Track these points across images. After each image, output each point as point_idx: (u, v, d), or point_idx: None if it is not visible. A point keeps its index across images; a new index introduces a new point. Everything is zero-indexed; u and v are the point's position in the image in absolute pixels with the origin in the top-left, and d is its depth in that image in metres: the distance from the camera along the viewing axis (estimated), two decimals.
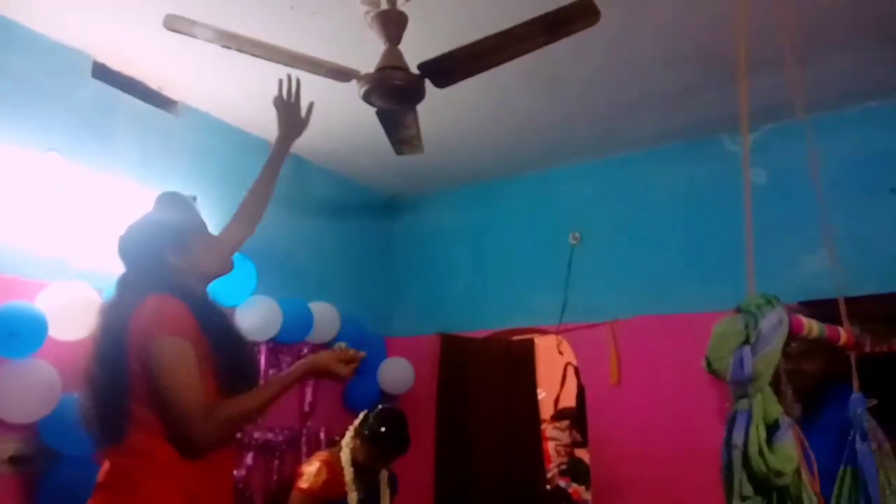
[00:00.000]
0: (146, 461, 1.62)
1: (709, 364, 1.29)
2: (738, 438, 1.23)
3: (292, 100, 2.24)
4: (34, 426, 2.44)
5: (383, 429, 2.88)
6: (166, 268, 1.78)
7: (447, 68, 2.31)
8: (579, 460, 4.96)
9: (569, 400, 5.43)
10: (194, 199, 2.20)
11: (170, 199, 1.92)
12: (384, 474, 3.00)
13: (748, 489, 1.22)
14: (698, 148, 3.66)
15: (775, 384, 2.84)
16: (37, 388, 2.39)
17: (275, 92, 2.22)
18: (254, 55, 2.31)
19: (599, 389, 3.75)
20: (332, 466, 2.84)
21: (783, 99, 2.92)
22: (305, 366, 1.81)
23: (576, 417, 5.09)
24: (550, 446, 5.25)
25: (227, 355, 1.74)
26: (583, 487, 4.67)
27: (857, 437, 1.51)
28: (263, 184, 2.20)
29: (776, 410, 1.24)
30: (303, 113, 2.27)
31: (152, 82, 3.17)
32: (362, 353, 1.87)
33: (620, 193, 3.89)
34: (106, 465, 1.67)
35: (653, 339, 3.57)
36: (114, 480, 1.63)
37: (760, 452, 1.20)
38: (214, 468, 1.70)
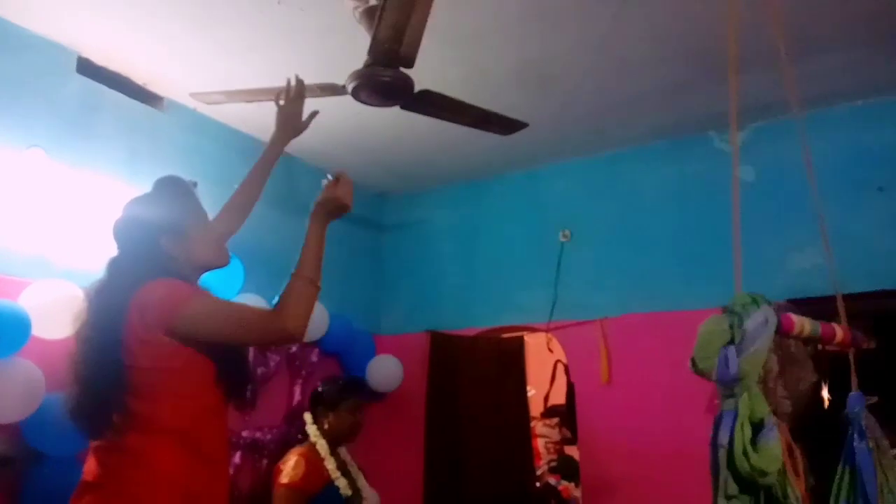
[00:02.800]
0: (142, 462, 1.57)
1: (694, 364, 1.30)
2: (723, 438, 1.24)
3: (294, 101, 2.19)
4: (17, 426, 2.41)
5: (339, 382, 2.97)
6: (160, 253, 1.74)
7: (425, 106, 2.56)
8: (569, 457, 4.96)
9: (558, 397, 5.43)
10: (195, 184, 2.15)
11: (169, 184, 1.87)
12: (358, 470, 2.95)
13: (733, 488, 1.23)
14: (687, 146, 3.67)
15: (765, 381, 2.85)
16: (20, 388, 2.35)
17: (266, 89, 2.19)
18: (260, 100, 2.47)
19: (589, 387, 3.75)
20: (309, 458, 2.81)
21: (772, 97, 2.93)
22: (321, 217, 1.77)
23: (565, 414, 5.09)
24: (540, 443, 5.25)
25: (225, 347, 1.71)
26: (572, 484, 4.67)
27: (855, 436, 1.51)
28: (253, 183, 2.16)
29: (763, 410, 1.25)
30: (304, 117, 2.22)
31: (138, 78, 3.14)
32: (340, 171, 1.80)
33: (610, 191, 3.89)
34: (93, 464, 1.62)
35: (643, 336, 3.57)
36: (106, 482, 1.58)
37: (745, 452, 1.21)
38: (212, 469, 1.67)
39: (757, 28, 2.61)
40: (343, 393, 2.90)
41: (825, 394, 3.12)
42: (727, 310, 1.31)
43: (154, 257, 1.73)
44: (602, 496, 3.59)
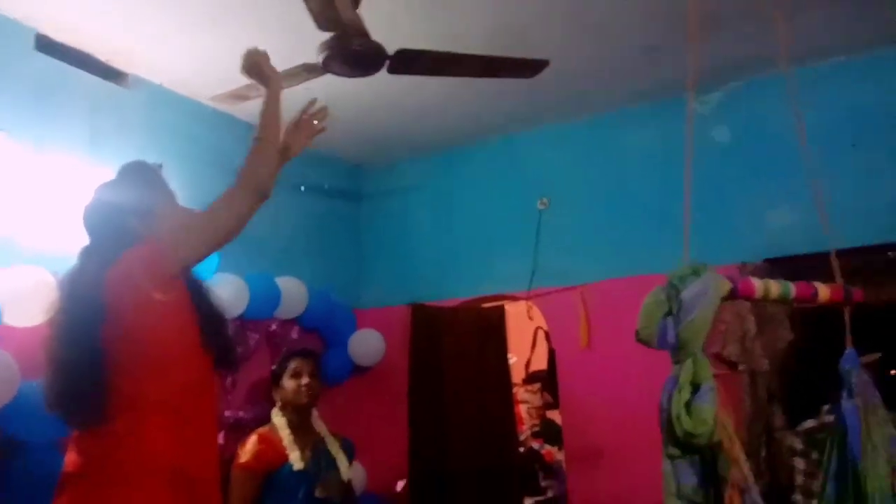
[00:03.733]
0: (126, 444, 1.55)
1: (637, 334, 1.37)
2: (665, 401, 1.30)
3: (312, 123, 2.05)
4: None
5: (282, 356, 3.05)
6: (129, 233, 1.72)
7: (411, 65, 2.45)
8: (551, 422, 5.02)
9: (540, 363, 5.47)
10: (159, 167, 2.11)
11: (134, 168, 1.87)
12: (334, 440, 2.96)
13: (674, 450, 1.30)
14: (666, 108, 3.64)
15: (742, 342, 2.87)
16: None
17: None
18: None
19: (570, 352, 3.77)
20: (266, 436, 2.82)
21: (747, 56, 2.93)
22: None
23: (547, 380, 5.14)
24: (523, 409, 5.29)
25: (208, 307, 1.77)
26: (555, 448, 4.73)
27: (844, 394, 1.54)
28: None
29: (705, 375, 1.31)
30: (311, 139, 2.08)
31: (100, 54, 3.03)
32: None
33: (589, 156, 3.87)
34: (74, 454, 1.59)
35: (623, 301, 3.53)
36: (92, 470, 1.56)
37: (678, 416, 1.29)
38: (201, 445, 1.67)
39: None
40: (282, 363, 2.97)
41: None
42: (667, 281, 1.37)
43: (123, 237, 1.72)
44: (585, 459, 3.63)
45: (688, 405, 1.26)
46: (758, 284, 1.43)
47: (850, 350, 1.62)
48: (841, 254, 2.97)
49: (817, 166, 3.07)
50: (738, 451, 1.33)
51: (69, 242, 2.67)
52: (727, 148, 3.33)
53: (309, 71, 2.35)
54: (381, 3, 2.39)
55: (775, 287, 1.47)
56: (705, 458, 1.31)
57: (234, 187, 1.71)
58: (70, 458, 1.60)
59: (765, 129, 3.28)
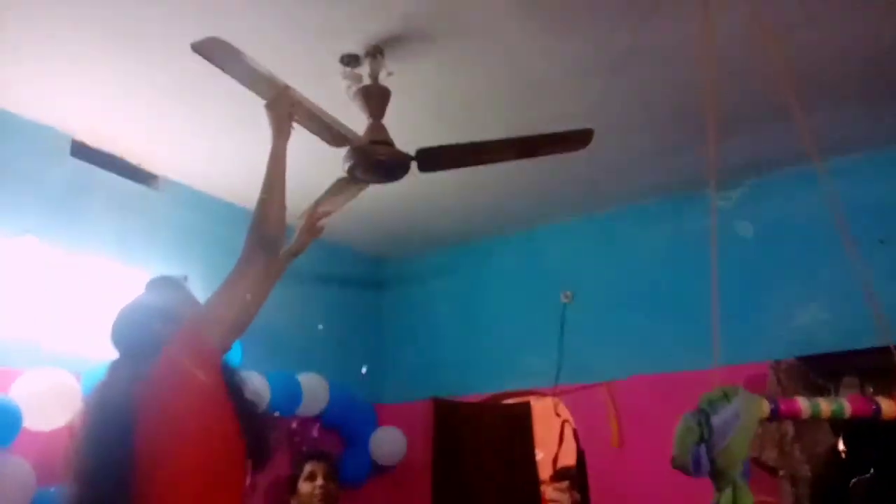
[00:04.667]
0: None
1: (673, 461, 1.31)
2: None
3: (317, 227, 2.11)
4: None
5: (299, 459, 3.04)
6: (155, 339, 1.66)
7: (439, 158, 2.43)
8: None
9: (568, 459, 5.27)
10: (185, 278, 2.13)
11: (160, 283, 1.87)
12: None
13: None
14: (684, 203, 3.64)
15: (780, 446, 2.74)
16: (9, 485, 2.27)
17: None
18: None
19: (600, 451, 3.65)
20: None
21: (769, 151, 2.94)
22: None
23: (576, 477, 4.95)
24: None
25: (249, 408, 1.67)
26: None
27: None
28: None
29: (749, 502, 1.23)
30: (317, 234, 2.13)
31: (132, 157, 3.13)
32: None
33: (609, 250, 3.85)
34: None
35: (652, 399, 3.48)
36: None
37: None
38: None
39: (749, 84, 2.63)
40: (298, 466, 2.97)
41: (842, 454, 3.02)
42: (698, 406, 1.32)
43: (151, 348, 1.69)
44: None
45: None
46: (804, 405, 1.35)
47: None
48: (870, 353, 2.87)
49: (841, 261, 3.04)
50: None
51: (95, 345, 2.71)
52: (751, 243, 3.30)
53: (344, 188, 2.41)
54: (400, 113, 2.45)
55: (826, 406, 1.37)
56: None
57: (247, 247, 1.74)
58: None
59: (789, 223, 3.26)
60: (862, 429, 2.04)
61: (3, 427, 2.29)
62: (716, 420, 1.26)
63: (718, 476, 1.24)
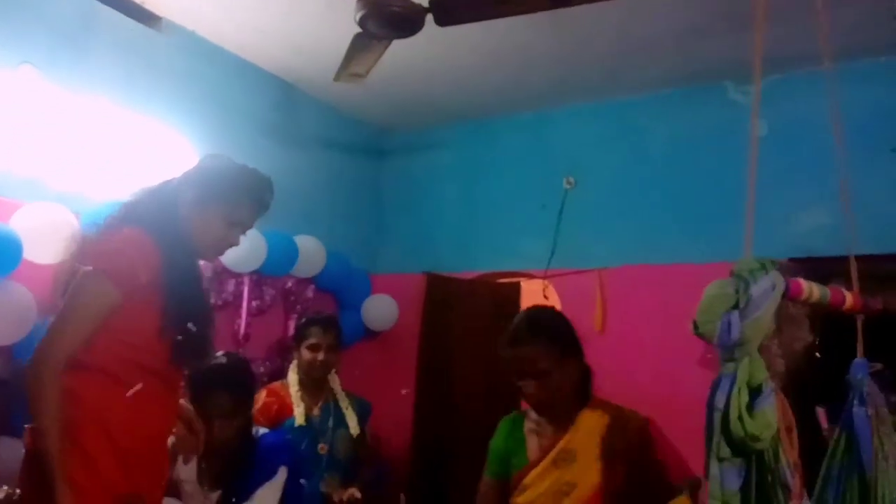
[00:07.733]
0: (77, 404, 1.59)
1: (696, 327, 1.29)
2: (720, 401, 1.24)
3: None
4: (9, 349, 2.40)
5: (304, 319, 2.98)
6: (174, 207, 1.79)
7: (456, 8, 2.25)
8: None
9: None
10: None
11: (247, 175, 2.00)
12: (346, 398, 2.95)
13: (726, 451, 1.24)
14: (701, 95, 3.56)
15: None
16: (11, 311, 2.33)
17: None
18: None
19: (583, 335, 3.73)
20: (276, 390, 2.87)
21: (789, 50, 2.83)
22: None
23: None
24: None
25: (180, 303, 1.71)
26: None
27: (855, 402, 1.50)
28: None
29: (762, 375, 1.24)
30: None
31: None
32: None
33: (618, 139, 3.80)
34: None
35: (640, 288, 3.55)
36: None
37: (740, 417, 1.21)
38: (138, 411, 1.66)
39: None
40: (301, 330, 2.91)
41: (817, 353, 3.12)
42: (734, 273, 1.28)
43: (170, 202, 1.79)
44: None
45: (748, 407, 1.21)
46: (805, 286, 1.38)
47: (860, 359, 1.58)
48: (866, 259, 2.90)
49: (850, 168, 3.01)
50: (797, 457, 1.30)
51: (95, 186, 2.70)
52: (762, 141, 3.24)
53: (366, 46, 2.25)
54: None
55: (816, 291, 1.41)
56: (750, 462, 1.27)
57: (42, 344, 1.61)
58: None
59: (801, 126, 3.20)
60: (837, 330, 2.08)
61: (5, 255, 2.31)
62: (755, 290, 1.25)
63: (738, 346, 1.23)
